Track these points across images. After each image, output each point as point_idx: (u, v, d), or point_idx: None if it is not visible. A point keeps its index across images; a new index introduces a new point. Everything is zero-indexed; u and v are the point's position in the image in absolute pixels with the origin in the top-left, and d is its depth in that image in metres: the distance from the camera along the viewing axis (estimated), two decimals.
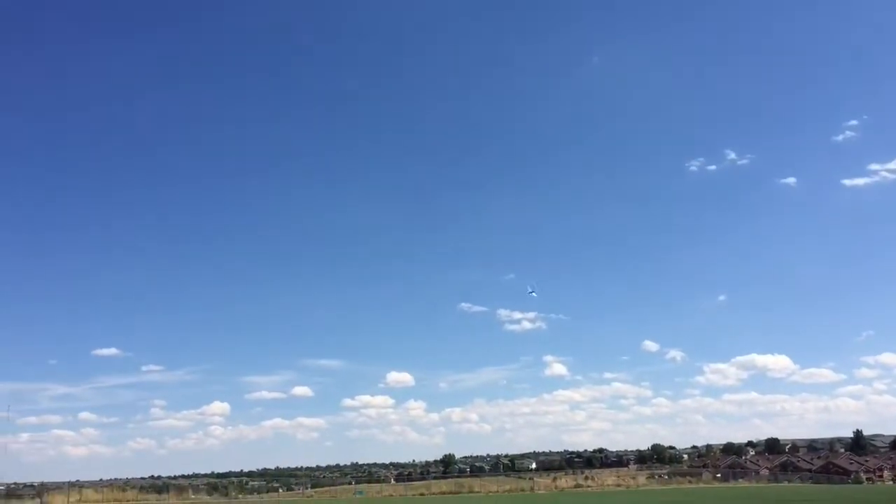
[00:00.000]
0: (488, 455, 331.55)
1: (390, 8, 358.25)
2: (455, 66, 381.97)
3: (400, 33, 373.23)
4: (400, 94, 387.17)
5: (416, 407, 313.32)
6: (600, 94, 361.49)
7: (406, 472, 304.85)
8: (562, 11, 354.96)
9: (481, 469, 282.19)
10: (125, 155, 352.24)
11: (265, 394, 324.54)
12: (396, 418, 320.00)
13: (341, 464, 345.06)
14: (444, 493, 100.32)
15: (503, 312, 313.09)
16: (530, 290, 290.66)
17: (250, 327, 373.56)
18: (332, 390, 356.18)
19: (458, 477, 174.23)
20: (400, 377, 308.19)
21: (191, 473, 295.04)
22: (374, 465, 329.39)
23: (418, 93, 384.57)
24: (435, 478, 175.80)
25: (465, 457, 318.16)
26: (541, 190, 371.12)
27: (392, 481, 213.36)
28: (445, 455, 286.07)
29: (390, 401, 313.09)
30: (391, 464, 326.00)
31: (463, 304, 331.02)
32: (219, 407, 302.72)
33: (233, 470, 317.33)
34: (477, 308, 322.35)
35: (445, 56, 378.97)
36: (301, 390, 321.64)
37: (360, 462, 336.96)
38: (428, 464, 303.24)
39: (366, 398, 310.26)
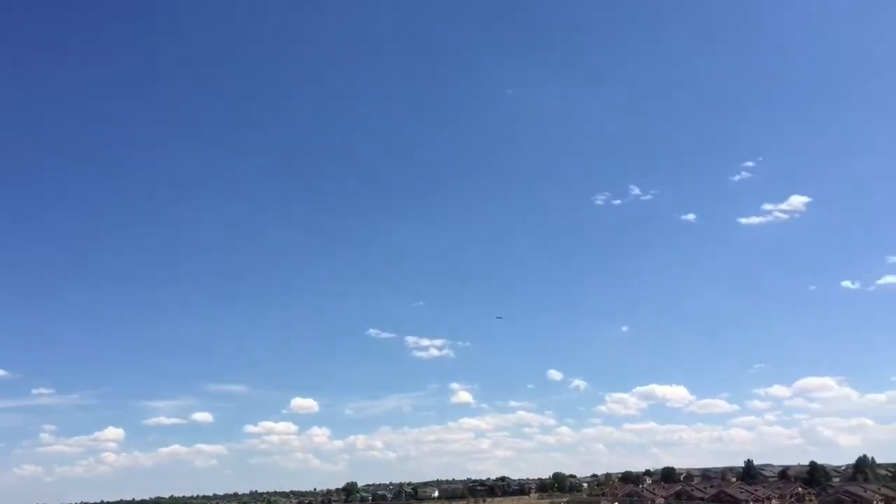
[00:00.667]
0: (391, 483, 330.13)
1: (308, 38, 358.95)
2: (368, 93, 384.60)
3: (320, 60, 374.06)
4: (311, 119, 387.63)
5: (321, 434, 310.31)
6: (512, 126, 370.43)
7: (307, 501, 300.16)
8: (479, 43, 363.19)
9: (384, 497, 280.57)
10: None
11: (163, 419, 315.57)
12: (299, 445, 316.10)
13: (240, 492, 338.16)
14: None
15: (411, 339, 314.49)
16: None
17: (150, 350, 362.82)
18: (235, 416, 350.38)
19: None
20: (305, 403, 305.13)
21: (79, 502, 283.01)
22: (275, 493, 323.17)
23: (331, 118, 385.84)
24: None
25: (368, 485, 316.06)
26: (451, 219, 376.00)
27: None
28: (348, 483, 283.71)
29: (294, 427, 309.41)
30: (292, 492, 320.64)
31: (371, 330, 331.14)
32: (113, 433, 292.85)
33: (124, 498, 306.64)
34: (385, 334, 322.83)
35: (361, 83, 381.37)
36: (202, 416, 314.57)
37: (260, 490, 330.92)
38: (330, 492, 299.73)
39: (269, 424, 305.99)
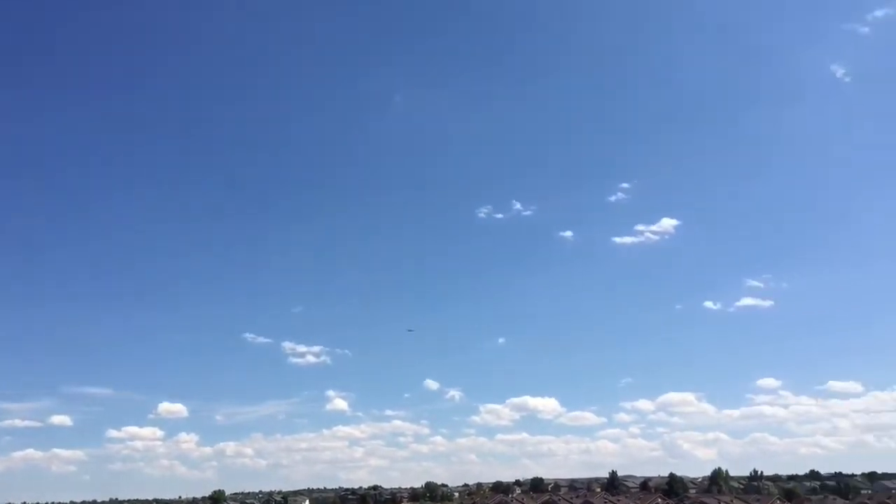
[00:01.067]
0: (261, 491, 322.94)
1: (183, 35, 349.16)
2: (244, 92, 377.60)
3: (195, 58, 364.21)
4: (182, 117, 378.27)
5: (188, 440, 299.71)
6: (398, 132, 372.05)
7: None
8: (370, 47, 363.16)
9: None
10: None
11: (17, 422, 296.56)
12: (165, 451, 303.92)
13: (99, 499, 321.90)
14: None
15: (288, 345, 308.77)
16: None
17: (4, 348, 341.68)
18: (97, 420, 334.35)
19: None
20: (173, 408, 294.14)
21: None
22: (136, 500, 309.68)
23: (204, 116, 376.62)
24: None
25: (236, 493, 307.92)
26: (332, 225, 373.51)
27: None
28: (215, 491, 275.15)
29: (160, 433, 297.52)
30: (155, 500, 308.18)
31: (246, 335, 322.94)
32: None
33: None
34: (261, 339, 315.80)
35: (238, 81, 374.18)
36: (60, 419, 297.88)
37: (121, 498, 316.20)
38: (195, 500, 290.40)
39: (133, 429, 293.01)
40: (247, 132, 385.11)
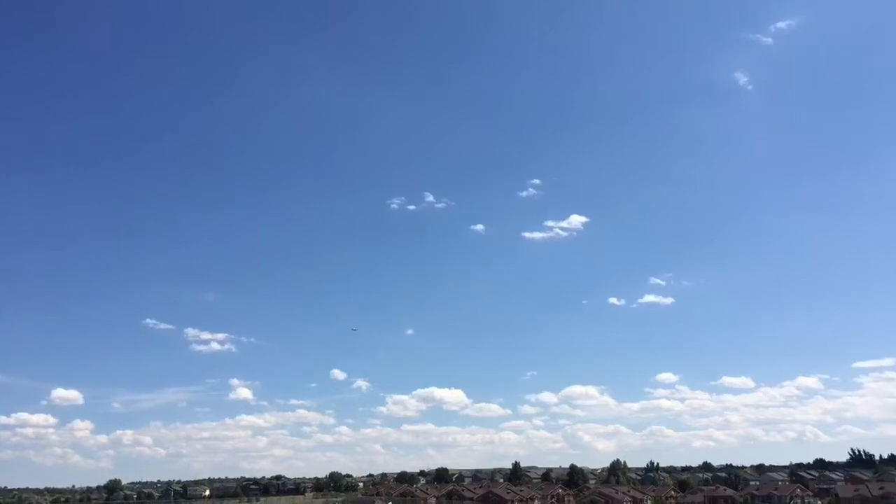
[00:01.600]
0: (159, 481, 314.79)
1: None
2: (145, 76, 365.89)
3: (102, 42, 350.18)
4: (90, 97, 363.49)
5: (83, 428, 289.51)
6: (307, 118, 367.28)
7: (63, 499, 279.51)
8: (279, 38, 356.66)
9: (150, 496, 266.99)
10: None
11: None
12: (58, 439, 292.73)
13: None
14: None
15: (191, 332, 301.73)
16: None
17: None
18: None
19: None
20: (67, 394, 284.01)
21: None
22: (26, 489, 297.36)
23: (108, 95, 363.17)
24: None
25: (134, 483, 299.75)
26: (238, 208, 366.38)
27: None
28: (111, 480, 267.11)
29: (53, 419, 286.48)
30: (46, 489, 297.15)
31: (148, 321, 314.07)
32: None
33: None
34: (163, 325, 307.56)
35: (145, 58, 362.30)
36: None
37: (10, 487, 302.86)
38: (90, 490, 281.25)
39: (24, 416, 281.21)
40: (152, 113, 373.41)
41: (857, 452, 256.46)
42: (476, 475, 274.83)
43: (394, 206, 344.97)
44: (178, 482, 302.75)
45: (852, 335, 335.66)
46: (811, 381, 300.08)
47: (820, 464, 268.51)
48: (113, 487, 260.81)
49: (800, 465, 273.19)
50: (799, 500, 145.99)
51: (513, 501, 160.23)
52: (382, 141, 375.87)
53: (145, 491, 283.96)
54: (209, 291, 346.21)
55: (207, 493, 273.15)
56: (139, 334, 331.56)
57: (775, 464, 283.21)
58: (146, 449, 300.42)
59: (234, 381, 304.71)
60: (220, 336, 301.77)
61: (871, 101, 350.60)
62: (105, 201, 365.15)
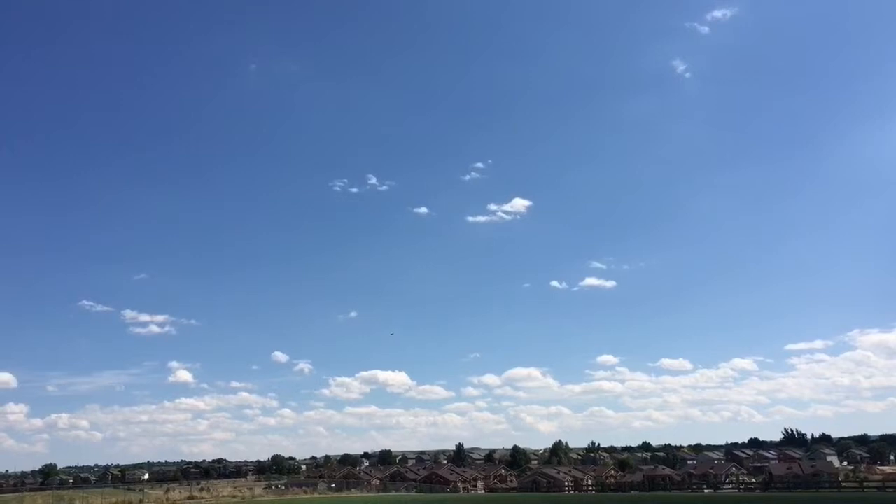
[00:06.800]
0: (97, 465, 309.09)
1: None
2: (99, 50, 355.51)
3: (40, 23, 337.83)
4: (33, 75, 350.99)
5: (17, 411, 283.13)
6: (253, 102, 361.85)
7: None
8: (224, 19, 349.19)
9: (86, 481, 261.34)
10: None
11: None
12: None
13: None
14: None
15: (129, 314, 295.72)
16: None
17: None
18: None
19: (58, 489, 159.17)
20: (0, 377, 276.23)
21: None
22: None
23: (47, 74, 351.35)
24: (31, 489, 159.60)
25: (70, 467, 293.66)
26: (179, 188, 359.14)
27: None
28: (46, 465, 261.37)
29: None
30: None
31: (84, 302, 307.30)
32: None
33: None
34: (100, 307, 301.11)
35: (88, 37, 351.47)
36: None
37: None
38: (24, 475, 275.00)
39: None
40: (88, 91, 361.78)
41: (789, 432, 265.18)
42: (420, 457, 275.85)
43: (336, 188, 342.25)
44: (116, 466, 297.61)
45: (785, 318, 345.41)
46: (746, 363, 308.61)
47: (754, 443, 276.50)
48: (48, 473, 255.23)
49: (735, 445, 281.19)
50: (734, 479, 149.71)
51: (456, 482, 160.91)
52: (326, 123, 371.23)
53: (82, 475, 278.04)
54: (148, 273, 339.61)
55: (146, 476, 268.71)
56: (75, 316, 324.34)
57: (712, 443, 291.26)
58: (83, 433, 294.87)
59: (174, 364, 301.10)
60: (160, 318, 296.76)
61: (805, 89, 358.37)
62: (39, 181, 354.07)
